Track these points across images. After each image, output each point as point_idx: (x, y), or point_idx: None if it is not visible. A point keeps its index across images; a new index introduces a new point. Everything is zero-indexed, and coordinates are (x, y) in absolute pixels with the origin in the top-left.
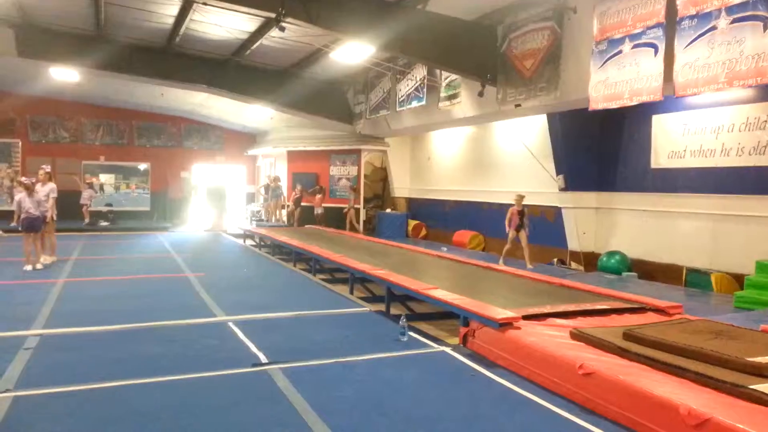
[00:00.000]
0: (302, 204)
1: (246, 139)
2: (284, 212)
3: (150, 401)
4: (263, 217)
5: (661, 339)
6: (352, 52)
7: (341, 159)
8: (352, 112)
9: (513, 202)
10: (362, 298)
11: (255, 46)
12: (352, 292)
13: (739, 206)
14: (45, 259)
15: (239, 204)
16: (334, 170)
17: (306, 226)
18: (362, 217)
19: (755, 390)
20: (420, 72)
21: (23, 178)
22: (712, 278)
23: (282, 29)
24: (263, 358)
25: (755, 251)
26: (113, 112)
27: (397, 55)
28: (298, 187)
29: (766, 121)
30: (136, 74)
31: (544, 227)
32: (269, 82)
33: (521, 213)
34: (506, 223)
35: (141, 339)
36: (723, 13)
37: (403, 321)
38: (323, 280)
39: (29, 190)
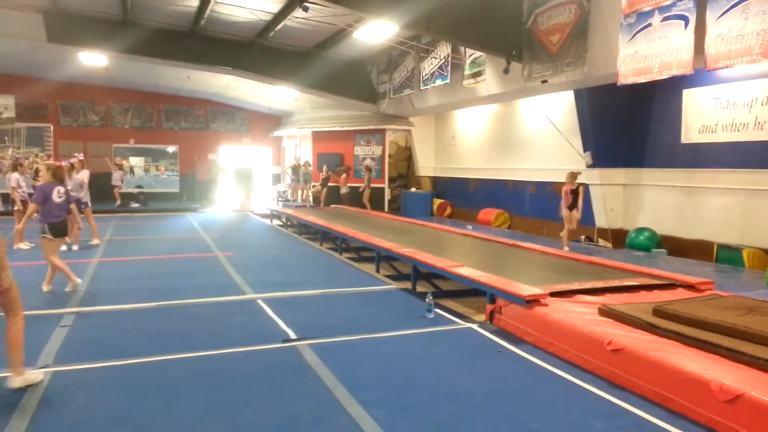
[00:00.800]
0: (328, 184)
1: (271, 120)
2: (310, 193)
3: (183, 375)
4: (289, 198)
5: (692, 315)
6: (376, 31)
7: (365, 139)
8: (376, 91)
9: (565, 180)
10: (388, 276)
11: (279, 27)
12: (378, 271)
13: None
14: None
15: (265, 185)
16: (359, 150)
17: (331, 205)
18: (387, 196)
19: None
20: (444, 50)
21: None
22: (744, 254)
23: (305, 9)
24: (292, 335)
25: None
26: (141, 96)
27: (421, 33)
28: (325, 168)
29: None
30: (163, 58)
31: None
32: (293, 63)
33: (575, 192)
34: (561, 203)
35: (173, 316)
36: None
37: (429, 298)
38: (349, 258)
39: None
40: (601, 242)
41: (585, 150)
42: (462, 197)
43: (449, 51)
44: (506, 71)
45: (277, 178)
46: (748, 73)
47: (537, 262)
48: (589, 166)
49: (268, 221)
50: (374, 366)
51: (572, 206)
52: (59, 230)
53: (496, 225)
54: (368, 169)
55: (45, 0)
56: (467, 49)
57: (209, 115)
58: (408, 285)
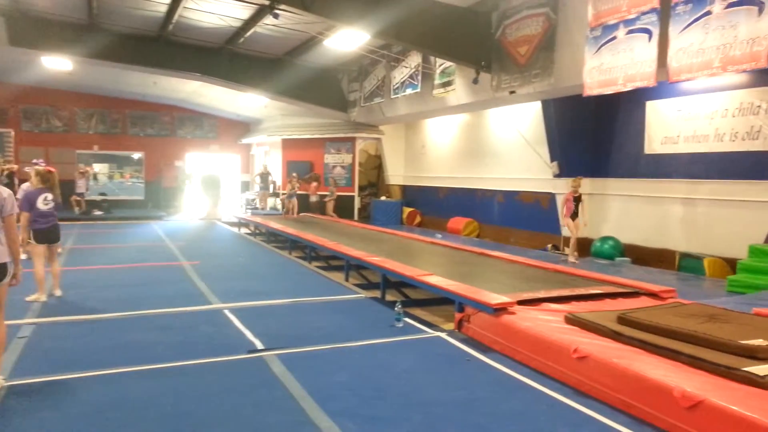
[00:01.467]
0: (298, 192)
1: (240, 127)
2: (277, 201)
3: (145, 388)
4: (258, 206)
5: (655, 323)
6: (347, 39)
7: (336, 147)
8: (346, 99)
9: (570, 188)
10: (358, 285)
11: (249, 33)
12: (347, 279)
13: (731, 191)
14: None
15: (234, 192)
16: (329, 158)
17: (301, 214)
18: (356, 204)
19: (748, 372)
20: (414, 59)
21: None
22: (705, 263)
23: (276, 16)
24: (259, 345)
25: (748, 236)
26: (106, 101)
27: (392, 42)
28: (294, 175)
29: (759, 106)
30: (129, 63)
31: (538, 213)
32: (263, 70)
33: (577, 199)
34: (561, 210)
35: (136, 327)
36: None
37: (398, 307)
38: (319, 267)
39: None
40: (567, 251)
41: (552, 160)
42: (432, 206)
43: (420, 60)
44: (475, 81)
45: (245, 186)
46: (708, 86)
47: (505, 271)
48: (556, 176)
49: (236, 229)
50: (343, 376)
51: (575, 215)
52: (44, 236)
53: (465, 234)
54: (335, 182)
55: (7, 2)
56: (437, 59)
57: (176, 122)
58: (377, 294)
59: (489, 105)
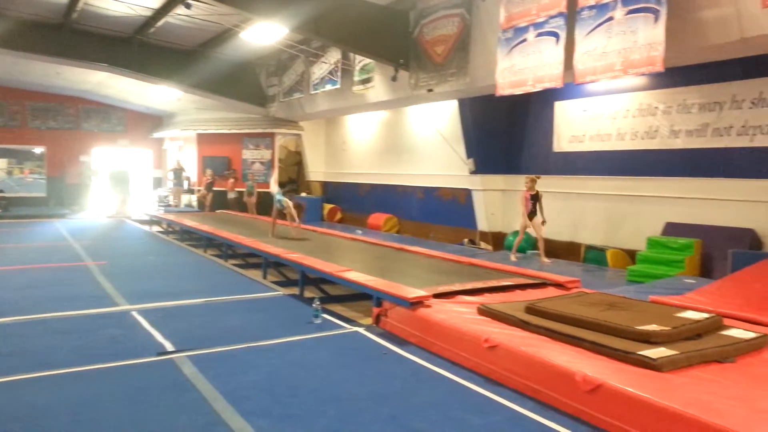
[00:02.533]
0: (214, 189)
1: (151, 121)
2: (192, 198)
3: (45, 396)
4: (171, 203)
5: (560, 311)
6: (264, 32)
7: (254, 142)
8: (264, 94)
9: (525, 187)
10: (276, 283)
11: (160, 23)
12: (265, 277)
13: (632, 187)
14: None
15: (145, 189)
16: (247, 154)
17: (217, 211)
18: None
19: (642, 356)
20: (334, 55)
21: None
22: (608, 254)
23: (188, 6)
24: (169, 347)
25: (646, 228)
26: (4, 92)
27: (311, 37)
28: (209, 172)
29: (657, 107)
30: (30, 51)
31: (456, 209)
32: (176, 62)
33: (535, 197)
34: (520, 209)
35: (33, 331)
36: (619, 4)
37: (316, 303)
38: (235, 265)
39: None
40: (483, 245)
41: (468, 157)
42: (352, 202)
43: (339, 57)
44: (394, 79)
45: (158, 182)
46: (611, 87)
47: (422, 265)
48: (472, 172)
49: (147, 228)
50: (258, 375)
51: (532, 214)
52: None
53: (385, 229)
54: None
55: None
56: (356, 56)
57: (81, 114)
58: (296, 291)
59: (408, 102)
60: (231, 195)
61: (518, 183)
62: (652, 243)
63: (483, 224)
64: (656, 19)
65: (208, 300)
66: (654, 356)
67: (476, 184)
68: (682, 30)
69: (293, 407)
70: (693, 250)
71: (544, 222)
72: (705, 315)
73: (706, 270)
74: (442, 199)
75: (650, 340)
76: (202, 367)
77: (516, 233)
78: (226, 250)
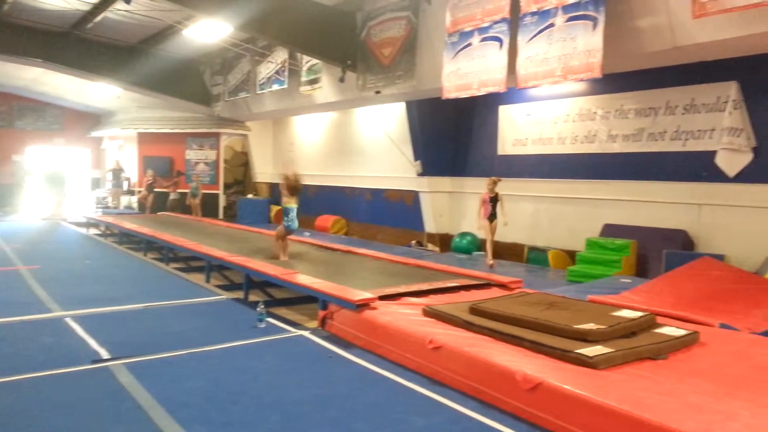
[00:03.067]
0: (156, 190)
1: (90, 119)
2: (132, 199)
3: None
4: (110, 204)
5: (502, 311)
6: (208, 30)
7: (198, 142)
8: (209, 93)
9: (486, 189)
10: (219, 286)
11: (99, 18)
12: (208, 281)
13: (572, 189)
14: None
15: (82, 190)
16: (191, 154)
17: (159, 213)
18: (221, 203)
19: (579, 354)
20: (281, 55)
21: None
22: (549, 255)
23: (127, 1)
24: (105, 354)
25: (586, 230)
26: None
27: (256, 36)
28: (150, 172)
29: (595, 112)
30: None
31: (404, 211)
32: (116, 59)
33: (494, 199)
34: (477, 212)
35: None
36: (560, 12)
37: (260, 307)
38: (177, 269)
39: None
40: (430, 247)
41: (416, 159)
42: (300, 204)
43: (286, 56)
44: (342, 80)
45: (96, 183)
46: (552, 92)
47: (370, 267)
48: (419, 175)
49: (84, 230)
50: (199, 382)
51: (493, 216)
52: None
53: (333, 231)
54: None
55: None
56: (304, 56)
57: (14, 112)
58: (240, 295)
59: (356, 104)
60: (172, 196)
61: (465, 185)
62: (590, 244)
63: (430, 226)
64: (594, 27)
65: (147, 305)
66: (590, 354)
67: (424, 186)
68: (619, 38)
69: (234, 414)
70: (629, 251)
71: (506, 224)
72: (639, 314)
73: (642, 270)
74: (390, 201)
75: (587, 338)
76: (139, 374)
77: (463, 234)
78: (168, 253)
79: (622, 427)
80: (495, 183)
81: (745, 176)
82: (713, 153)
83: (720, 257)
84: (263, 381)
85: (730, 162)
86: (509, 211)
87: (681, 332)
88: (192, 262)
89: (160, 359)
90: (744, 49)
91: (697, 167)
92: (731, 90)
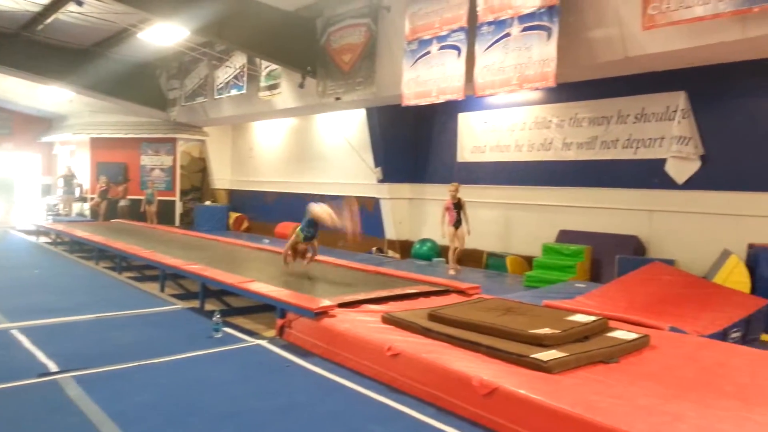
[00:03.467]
0: (109, 197)
1: (40, 123)
2: (84, 206)
3: None
4: (61, 211)
5: (459, 317)
6: (164, 34)
7: (154, 148)
8: (165, 97)
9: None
10: (175, 296)
11: (50, 20)
12: (163, 290)
13: (529, 196)
14: None
15: (32, 197)
16: (146, 160)
17: (112, 220)
18: (178, 210)
19: (534, 358)
20: (239, 60)
21: None
22: (507, 261)
23: (80, 3)
24: (53, 367)
25: (542, 235)
26: None
27: (213, 40)
28: (103, 179)
29: (551, 121)
30: None
31: (364, 217)
32: (68, 61)
33: (458, 206)
34: (441, 219)
35: None
36: (516, 22)
37: (216, 316)
38: (130, 278)
39: None
40: (391, 253)
41: (376, 165)
42: (260, 211)
43: (245, 61)
44: (301, 86)
45: (47, 189)
46: (509, 101)
47: (329, 275)
48: (380, 181)
49: (33, 238)
50: (151, 395)
51: (458, 223)
52: None
53: None
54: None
55: None
56: (263, 61)
57: None
58: (196, 304)
59: (316, 110)
60: (122, 203)
61: (425, 192)
62: (546, 249)
63: (391, 232)
64: (549, 37)
65: (98, 316)
66: (545, 359)
67: (384, 192)
68: (572, 48)
69: (189, 426)
70: (584, 256)
71: (468, 232)
72: (592, 318)
73: (596, 274)
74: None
75: (542, 343)
76: (88, 388)
77: (423, 240)
78: (120, 262)
79: (575, 431)
80: (457, 189)
81: (693, 183)
82: (663, 161)
83: (670, 262)
84: (219, 392)
85: (679, 169)
86: (469, 218)
87: (632, 336)
88: (146, 271)
89: (111, 371)
90: (691, 60)
91: (648, 175)
92: (680, 100)
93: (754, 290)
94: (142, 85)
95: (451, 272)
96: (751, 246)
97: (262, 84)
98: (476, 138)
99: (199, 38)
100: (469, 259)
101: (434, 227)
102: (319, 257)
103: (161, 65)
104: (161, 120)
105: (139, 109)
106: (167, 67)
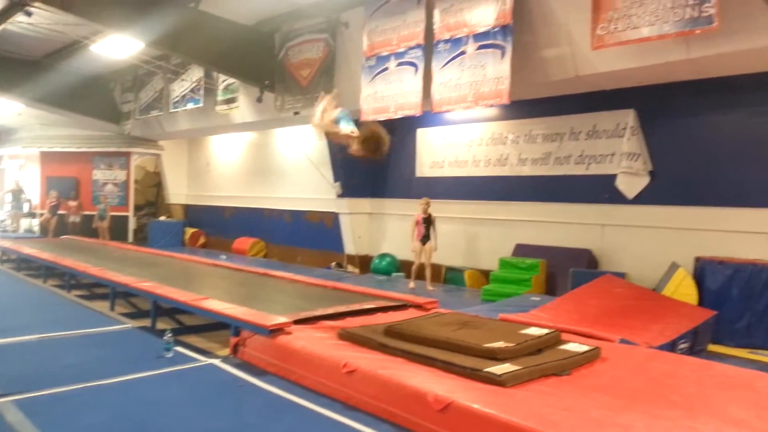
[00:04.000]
0: (59, 212)
1: None
2: (33, 222)
3: None
4: (8, 227)
5: (415, 333)
6: (117, 46)
7: (107, 162)
8: (119, 111)
9: (419, 210)
10: (125, 314)
11: None
12: (112, 309)
13: (486, 210)
14: None
15: None
16: (99, 174)
17: (62, 236)
18: (132, 225)
19: (488, 372)
20: (196, 73)
21: None
22: (465, 275)
23: (28, 14)
24: None
25: (500, 250)
26: None
27: (169, 53)
28: (53, 194)
29: (506, 137)
30: None
31: (323, 232)
32: (17, 73)
33: (428, 220)
34: (411, 234)
35: None
36: (471, 40)
37: (168, 335)
38: (79, 296)
39: None
40: (350, 268)
41: (335, 180)
42: (217, 226)
43: (202, 75)
44: (259, 100)
45: None
46: (467, 117)
47: (286, 291)
48: (339, 196)
49: None
50: (97, 417)
51: (425, 238)
52: None
53: (251, 254)
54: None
55: None
56: (220, 75)
57: None
58: (147, 323)
59: (275, 124)
60: (73, 218)
61: (384, 206)
62: (503, 263)
63: (350, 247)
64: (503, 55)
65: (43, 336)
66: (498, 372)
67: (343, 207)
68: (525, 66)
69: None
70: (539, 270)
71: (435, 249)
72: (545, 331)
73: (551, 288)
74: (310, 223)
75: (496, 356)
76: (30, 412)
77: (382, 255)
78: (69, 280)
79: None
80: (428, 204)
81: (642, 198)
82: (614, 176)
83: (621, 275)
84: (168, 413)
85: (629, 185)
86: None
87: (584, 348)
88: (96, 289)
89: (55, 394)
90: (639, 78)
91: (600, 190)
92: (629, 117)
93: (701, 302)
94: (96, 98)
95: (411, 285)
96: (698, 259)
97: (219, 98)
98: (435, 153)
99: (154, 51)
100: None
101: (394, 242)
102: (276, 273)
103: (115, 78)
104: (115, 134)
105: (92, 122)
106: (121, 79)
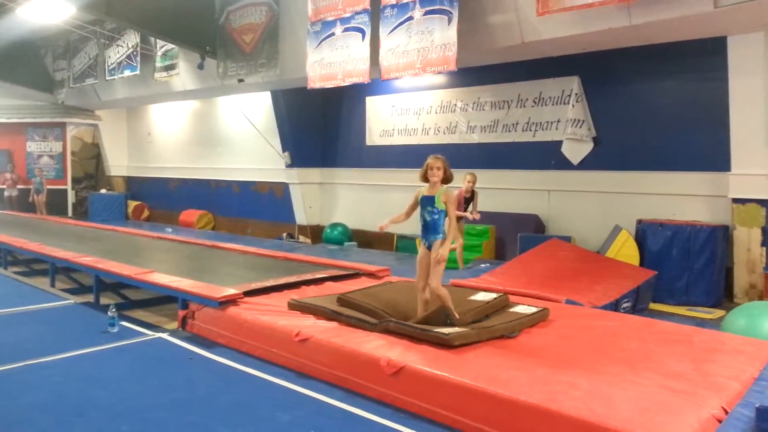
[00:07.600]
0: None
1: None
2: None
3: None
4: None
5: (366, 301)
6: (46, 9)
7: (41, 133)
8: (52, 79)
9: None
10: (66, 290)
11: None
12: (53, 285)
13: None
14: None
15: None
16: (33, 146)
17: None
18: (71, 199)
19: (438, 332)
20: (132, 38)
21: None
22: (417, 242)
23: None
24: None
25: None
26: None
27: (102, 18)
28: None
29: (455, 104)
30: None
31: (273, 203)
32: None
33: (469, 200)
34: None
35: None
36: (418, 5)
37: (112, 310)
38: (17, 273)
39: None
40: (302, 239)
41: (284, 150)
42: (161, 198)
43: (138, 40)
44: (201, 67)
45: None
46: (416, 84)
47: (236, 262)
48: (288, 166)
49: None
50: (39, 395)
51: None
52: None
53: (199, 226)
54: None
55: None
56: (158, 40)
57: None
58: (90, 298)
59: (218, 92)
60: (8, 193)
61: (335, 176)
62: None
63: (301, 218)
64: (449, 22)
65: None
66: (446, 332)
67: (293, 177)
68: (472, 33)
69: (79, 427)
70: (489, 236)
71: (476, 216)
72: (494, 295)
73: (500, 253)
74: (260, 194)
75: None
76: None
77: (334, 225)
78: (6, 256)
79: (478, 403)
80: (474, 178)
81: (587, 164)
82: (560, 143)
83: (567, 238)
84: (114, 389)
85: (574, 151)
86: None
87: (532, 309)
88: (35, 264)
89: None
90: (584, 45)
91: (546, 156)
92: (574, 84)
93: (643, 263)
94: (26, 66)
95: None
96: (639, 221)
97: (158, 64)
98: (385, 122)
99: (87, 15)
100: (382, 242)
101: (346, 211)
102: (225, 245)
103: (46, 44)
104: (48, 103)
105: (23, 91)
106: (53, 46)
